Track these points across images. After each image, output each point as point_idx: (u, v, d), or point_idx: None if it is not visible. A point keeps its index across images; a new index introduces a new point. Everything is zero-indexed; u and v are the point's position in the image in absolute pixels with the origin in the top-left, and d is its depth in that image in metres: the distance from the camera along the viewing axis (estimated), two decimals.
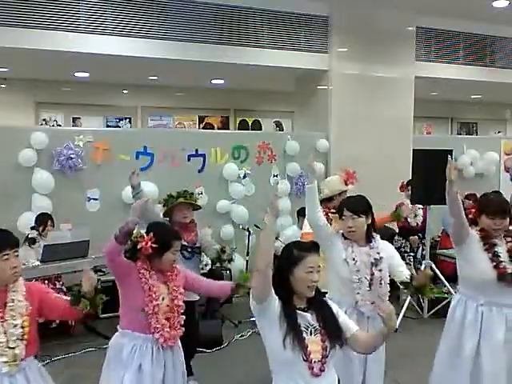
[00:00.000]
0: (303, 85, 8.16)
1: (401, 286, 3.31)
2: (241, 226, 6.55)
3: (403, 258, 6.63)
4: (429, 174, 5.83)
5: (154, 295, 2.93)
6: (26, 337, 2.55)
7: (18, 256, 2.62)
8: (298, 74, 7.94)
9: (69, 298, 2.74)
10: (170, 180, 6.26)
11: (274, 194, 2.38)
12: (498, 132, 13.84)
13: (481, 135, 13.32)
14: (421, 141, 7.84)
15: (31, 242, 5.30)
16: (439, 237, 7.23)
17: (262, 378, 4.54)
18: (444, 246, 6.96)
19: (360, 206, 3.21)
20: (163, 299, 2.97)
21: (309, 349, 2.26)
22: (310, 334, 2.30)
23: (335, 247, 3.17)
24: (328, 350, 2.30)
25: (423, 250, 6.39)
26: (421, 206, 6.46)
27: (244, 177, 6.88)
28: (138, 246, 2.93)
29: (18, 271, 2.60)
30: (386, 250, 3.27)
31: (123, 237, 2.85)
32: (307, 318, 2.33)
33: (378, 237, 3.29)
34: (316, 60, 7.32)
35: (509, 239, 3.30)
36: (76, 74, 8.73)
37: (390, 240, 6.85)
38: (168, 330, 2.95)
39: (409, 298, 5.96)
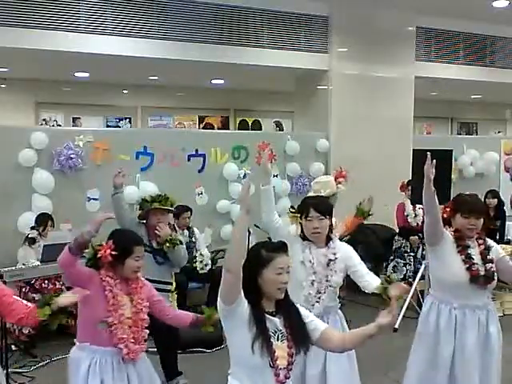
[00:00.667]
0: (303, 85, 8.15)
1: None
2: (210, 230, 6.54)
3: (403, 258, 6.69)
4: None
5: (118, 304, 2.84)
6: None
7: None
8: (298, 74, 7.94)
9: (30, 304, 2.66)
10: (170, 180, 6.26)
11: (246, 182, 2.19)
12: (498, 132, 13.84)
13: (481, 135, 13.31)
14: (421, 141, 7.83)
15: (31, 241, 5.31)
16: None
17: None
18: None
19: (326, 206, 3.18)
20: (126, 311, 2.88)
21: (276, 355, 2.19)
22: (277, 340, 2.22)
23: (293, 249, 2.98)
24: (294, 356, 2.23)
25: (423, 249, 6.39)
26: (421, 206, 6.45)
27: (244, 177, 6.87)
28: (98, 255, 2.86)
29: None
30: (343, 250, 3.21)
31: (77, 249, 2.80)
32: (275, 323, 2.25)
33: (336, 238, 3.26)
34: (316, 60, 7.31)
35: (481, 242, 3.31)
36: (76, 74, 8.72)
37: (391, 240, 6.88)
38: (132, 342, 2.86)
39: (409, 297, 5.96)
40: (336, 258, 3.14)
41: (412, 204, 6.40)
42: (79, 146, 6.07)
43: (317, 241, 3.14)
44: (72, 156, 5.96)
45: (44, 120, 9.87)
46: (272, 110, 11.52)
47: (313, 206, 3.12)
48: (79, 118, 10.12)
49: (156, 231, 4.16)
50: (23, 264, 5.13)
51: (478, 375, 3.17)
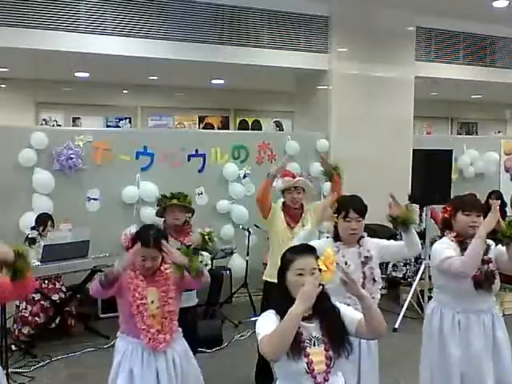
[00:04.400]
0: (303, 85, 8.16)
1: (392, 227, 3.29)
2: (241, 226, 6.55)
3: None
4: (429, 174, 5.85)
5: (137, 295, 2.93)
6: None
7: None
8: (297, 74, 7.94)
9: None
10: (170, 180, 6.26)
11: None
12: (498, 132, 13.84)
13: (481, 135, 13.31)
14: (421, 141, 7.84)
15: (31, 242, 5.30)
16: (439, 237, 7.21)
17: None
18: None
19: (364, 207, 3.18)
20: (152, 302, 2.97)
21: (311, 359, 2.19)
22: (314, 345, 2.21)
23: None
24: (332, 360, 2.22)
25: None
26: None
27: (244, 177, 6.88)
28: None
29: None
30: (373, 245, 3.22)
31: (108, 283, 2.88)
32: (310, 329, 2.24)
33: (365, 234, 3.26)
34: (316, 60, 7.31)
35: None
36: (76, 74, 8.73)
37: (391, 240, 6.88)
38: (153, 331, 2.93)
39: (409, 297, 5.96)
40: (371, 256, 3.16)
41: (412, 203, 6.40)
42: (79, 146, 6.08)
43: (352, 241, 3.15)
44: (72, 156, 5.97)
45: (44, 120, 9.87)
46: (272, 110, 11.52)
47: (352, 207, 3.10)
48: (79, 117, 10.12)
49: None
50: None
51: (491, 380, 3.14)
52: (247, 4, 6.82)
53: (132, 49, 6.33)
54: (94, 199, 6.18)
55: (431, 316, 3.34)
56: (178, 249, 3.08)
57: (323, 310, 2.27)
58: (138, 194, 6.24)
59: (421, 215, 6.42)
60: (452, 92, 10.80)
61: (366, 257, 3.15)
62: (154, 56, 6.49)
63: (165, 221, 4.24)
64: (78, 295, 5.73)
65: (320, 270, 2.22)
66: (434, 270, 3.35)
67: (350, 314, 2.34)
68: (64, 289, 5.57)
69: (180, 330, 3.15)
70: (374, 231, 6.98)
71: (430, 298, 6.13)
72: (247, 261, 6.44)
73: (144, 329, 2.92)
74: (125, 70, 8.06)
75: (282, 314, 2.17)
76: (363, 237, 3.22)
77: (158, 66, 7.49)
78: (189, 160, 6.66)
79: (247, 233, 6.42)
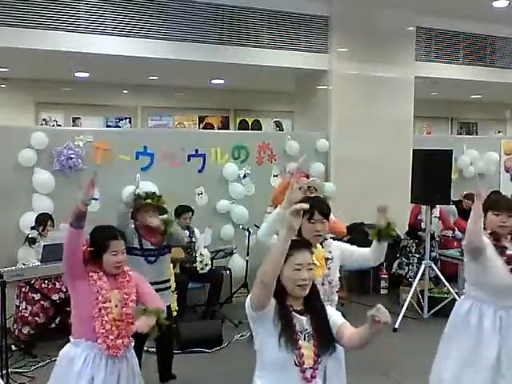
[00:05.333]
0: (303, 85, 8.16)
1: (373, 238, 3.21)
2: (241, 226, 6.55)
3: (407, 258, 6.71)
4: (429, 174, 5.84)
5: (100, 298, 2.84)
6: None
7: None
8: (298, 74, 7.94)
9: None
10: (170, 180, 6.27)
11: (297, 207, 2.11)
12: (498, 132, 13.84)
13: (481, 135, 13.31)
14: (421, 141, 7.84)
15: (31, 241, 5.31)
16: (439, 237, 7.22)
17: None
18: (444, 246, 6.96)
19: (328, 209, 3.15)
20: (116, 306, 2.88)
21: (302, 352, 2.19)
22: (304, 339, 2.22)
23: None
24: (319, 356, 2.22)
25: (431, 250, 6.40)
26: (437, 215, 6.55)
27: (244, 177, 6.88)
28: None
29: None
30: (335, 247, 3.22)
31: (76, 220, 2.81)
32: (302, 322, 2.25)
33: (329, 236, 3.26)
34: (316, 60, 7.31)
35: None
36: (76, 74, 8.72)
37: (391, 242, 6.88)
38: (113, 337, 2.83)
39: (409, 297, 5.96)
40: (333, 257, 3.16)
41: (412, 202, 6.40)
42: (79, 146, 6.07)
43: (315, 243, 3.10)
44: (72, 156, 5.97)
45: (44, 120, 9.87)
46: (272, 110, 11.52)
47: (317, 209, 3.05)
48: (79, 117, 10.12)
49: (149, 225, 4.12)
50: (23, 264, 5.14)
51: None
52: (247, 4, 6.82)
53: (132, 49, 6.33)
54: (94, 199, 6.15)
55: (468, 313, 3.29)
56: None
57: (313, 307, 2.29)
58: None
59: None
60: (452, 92, 10.80)
61: (327, 258, 3.14)
62: (154, 56, 6.49)
63: (136, 221, 4.20)
64: None
65: (314, 265, 2.27)
66: (470, 266, 3.32)
67: (335, 315, 2.35)
68: (64, 289, 5.55)
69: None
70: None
71: (430, 297, 6.18)
72: (247, 261, 6.44)
73: (102, 333, 2.81)
74: (125, 70, 8.06)
75: (277, 303, 2.21)
76: (326, 239, 3.20)
77: (158, 66, 7.49)
78: (189, 160, 6.66)
79: (247, 233, 6.42)
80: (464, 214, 7.28)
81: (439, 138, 10.30)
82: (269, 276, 2.11)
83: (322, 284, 3.08)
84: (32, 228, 5.43)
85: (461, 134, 13.46)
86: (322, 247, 3.15)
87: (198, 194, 6.59)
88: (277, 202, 4.25)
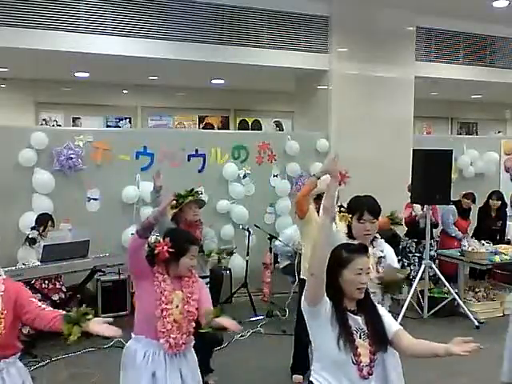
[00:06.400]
0: (303, 85, 8.16)
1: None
2: (241, 226, 6.55)
3: (408, 258, 6.71)
4: (429, 174, 5.84)
5: (163, 299, 2.92)
6: None
7: None
8: (298, 74, 7.94)
9: (58, 312, 2.62)
10: (170, 180, 6.23)
11: (332, 194, 2.23)
12: (498, 132, 13.85)
13: (481, 135, 13.32)
14: (421, 141, 7.84)
15: (31, 242, 5.31)
16: (439, 237, 7.23)
17: (262, 378, 4.55)
18: (444, 246, 6.96)
19: (379, 209, 3.18)
20: (177, 306, 2.95)
21: (359, 351, 2.28)
22: (360, 338, 2.31)
23: None
24: (375, 354, 2.32)
25: (430, 250, 6.40)
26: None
27: (244, 177, 6.88)
28: (155, 251, 2.95)
29: None
30: (386, 248, 3.27)
31: (144, 230, 2.90)
32: (358, 321, 2.34)
33: (379, 236, 3.29)
34: (316, 60, 7.31)
35: None
36: (76, 74, 8.73)
37: (391, 240, 6.87)
38: (174, 336, 2.91)
39: (409, 297, 5.96)
40: (385, 256, 3.19)
41: (412, 203, 6.40)
42: (79, 146, 6.08)
43: (365, 241, 3.11)
44: (72, 156, 5.97)
45: (44, 120, 9.87)
46: (272, 110, 11.53)
47: (368, 209, 3.10)
48: (79, 117, 10.12)
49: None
50: (23, 264, 5.13)
51: None
52: (247, 4, 6.82)
53: (132, 49, 6.33)
54: (93, 199, 6.18)
55: None
56: None
57: (366, 305, 2.39)
58: (137, 194, 6.24)
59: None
60: (452, 92, 10.80)
61: (380, 257, 3.19)
62: (154, 56, 6.49)
63: (175, 218, 4.25)
64: (78, 295, 5.73)
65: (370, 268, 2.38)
66: None
67: (389, 319, 2.44)
68: (64, 289, 5.57)
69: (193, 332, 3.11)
70: None
71: (430, 297, 6.18)
72: (247, 261, 6.44)
73: (164, 332, 2.89)
74: (125, 70, 8.06)
75: (334, 306, 2.29)
76: (376, 237, 3.24)
77: (158, 66, 7.49)
78: (189, 160, 6.66)
79: (247, 233, 6.42)
80: (464, 213, 7.29)
81: (439, 137, 10.29)
82: (317, 267, 2.21)
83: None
84: (32, 228, 5.43)
85: (461, 134, 13.47)
86: (374, 247, 3.19)
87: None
88: (301, 206, 4.26)
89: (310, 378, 2.41)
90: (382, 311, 2.47)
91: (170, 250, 2.94)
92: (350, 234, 3.18)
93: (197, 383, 3.05)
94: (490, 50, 8.50)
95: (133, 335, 3.03)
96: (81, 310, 2.54)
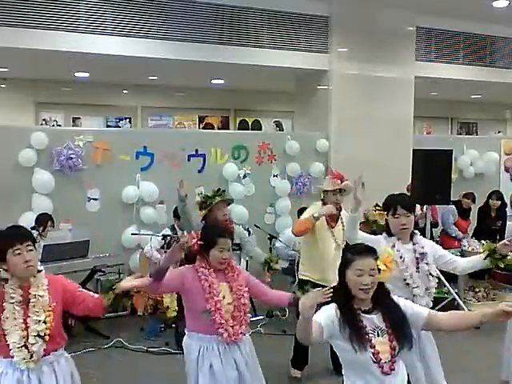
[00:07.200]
0: (303, 85, 8.15)
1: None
2: (241, 226, 6.53)
3: None
4: (429, 174, 5.85)
5: (215, 291, 2.98)
6: (47, 332, 2.54)
7: (31, 250, 2.58)
8: (298, 74, 7.94)
9: (96, 295, 2.79)
10: (170, 180, 6.25)
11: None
12: (498, 132, 13.84)
13: (481, 135, 13.31)
14: (421, 141, 7.84)
15: None
16: (439, 237, 7.23)
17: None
18: (444, 246, 6.95)
19: (410, 203, 3.28)
20: (224, 297, 3.00)
21: (377, 349, 2.29)
22: (378, 336, 2.33)
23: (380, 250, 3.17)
24: (397, 349, 2.33)
25: None
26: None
27: (244, 177, 6.88)
28: (188, 244, 3.02)
29: (33, 265, 2.57)
30: (427, 244, 3.34)
31: (157, 275, 2.93)
32: (373, 320, 2.36)
33: (418, 233, 3.36)
34: (316, 60, 7.31)
35: None
36: (76, 74, 8.72)
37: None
38: (231, 326, 2.98)
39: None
40: (426, 252, 3.24)
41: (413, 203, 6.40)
42: (79, 146, 6.08)
43: (404, 237, 3.24)
44: (72, 156, 5.97)
45: (44, 120, 9.87)
46: (272, 110, 11.52)
47: (400, 204, 3.20)
48: (79, 117, 10.12)
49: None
50: None
51: None
52: (247, 4, 6.82)
53: (132, 49, 6.33)
54: (94, 199, 6.18)
55: None
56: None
57: (384, 303, 2.40)
58: (137, 194, 6.24)
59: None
60: (452, 92, 10.80)
61: (422, 253, 3.24)
62: (154, 56, 6.49)
63: (205, 220, 4.30)
64: None
65: (379, 269, 2.36)
66: None
67: (415, 309, 2.48)
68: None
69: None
70: (374, 231, 7.04)
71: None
72: (247, 261, 6.43)
73: (222, 324, 2.95)
74: (125, 70, 8.06)
75: (342, 307, 2.33)
76: (415, 233, 3.31)
77: (158, 66, 7.49)
78: (189, 160, 6.66)
79: (247, 233, 6.40)
80: (464, 213, 7.29)
81: (439, 137, 10.30)
82: (301, 337, 2.25)
83: (419, 276, 3.20)
84: (32, 228, 5.41)
85: (461, 134, 13.46)
86: (414, 243, 3.26)
87: (198, 194, 6.57)
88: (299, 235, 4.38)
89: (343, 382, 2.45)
90: (407, 303, 2.49)
91: (200, 242, 3.02)
92: (389, 232, 3.28)
93: (254, 372, 3.11)
94: (490, 50, 8.50)
95: (186, 331, 3.11)
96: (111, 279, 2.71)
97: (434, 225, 6.73)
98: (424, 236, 6.12)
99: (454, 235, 7.05)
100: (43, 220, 5.47)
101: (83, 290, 2.80)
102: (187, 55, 6.62)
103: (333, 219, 4.31)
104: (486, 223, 7.15)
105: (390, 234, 3.27)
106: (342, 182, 4.28)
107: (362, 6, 7.23)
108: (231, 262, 3.14)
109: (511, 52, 8.65)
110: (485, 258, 3.30)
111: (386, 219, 3.29)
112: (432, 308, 6.41)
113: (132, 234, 5.73)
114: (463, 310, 5.96)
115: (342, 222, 4.29)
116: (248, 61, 6.96)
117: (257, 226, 6.30)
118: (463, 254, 6.14)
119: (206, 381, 2.95)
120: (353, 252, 2.42)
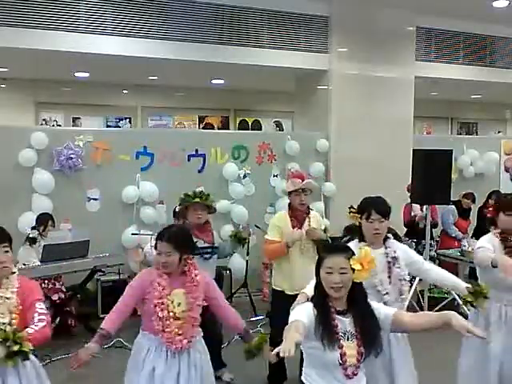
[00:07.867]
0: (303, 85, 8.16)
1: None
2: (241, 226, 6.54)
3: None
4: (429, 174, 5.84)
5: (156, 293, 2.94)
6: None
7: (7, 252, 2.57)
8: (298, 74, 7.94)
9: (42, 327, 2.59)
10: (170, 180, 6.27)
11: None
12: (498, 132, 13.84)
13: (481, 135, 13.31)
14: (421, 141, 7.84)
15: (32, 241, 5.30)
16: (439, 237, 7.23)
17: (262, 378, 4.55)
18: (444, 246, 6.96)
19: (387, 208, 3.19)
20: (179, 304, 2.96)
21: (344, 351, 2.28)
22: (347, 340, 2.32)
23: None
24: (363, 356, 2.32)
25: (430, 250, 6.39)
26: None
27: (244, 177, 6.88)
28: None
29: (7, 266, 2.57)
30: (400, 248, 3.26)
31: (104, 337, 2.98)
32: (345, 324, 2.34)
33: (391, 237, 3.29)
34: (316, 60, 7.31)
35: None
36: (76, 74, 8.73)
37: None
38: (174, 335, 2.93)
39: (409, 297, 5.95)
40: (398, 257, 3.18)
41: (412, 203, 6.40)
42: (79, 146, 6.08)
43: (376, 241, 3.16)
44: (72, 156, 5.97)
45: (44, 120, 9.87)
46: (272, 110, 11.52)
47: (374, 208, 3.13)
48: (79, 117, 10.12)
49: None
50: (23, 264, 5.13)
51: None
52: (247, 4, 6.82)
53: (132, 49, 6.33)
54: (94, 199, 6.18)
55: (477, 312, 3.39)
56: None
57: (357, 308, 2.38)
58: (137, 194, 6.24)
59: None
60: (452, 92, 10.80)
61: (393, 257, 3.17)
62: (154, 56, 6.49)
63: (185, 220, 4.25)
64: (78, 295, 5.73)
65: (353, 269, 2.33)
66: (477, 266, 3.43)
67: (383, 309, 2.45)
68: (64, 289, 5.56)
69: (200, 330, 3.15)
70: None
71: (430, 297, 6.17)
72: (247, 261, 6.44)
73: (161, 329, 2.92)
74: (125, 70, 8.06)
75: (318, 306, 2.33)
76: (389, 238, 3.23)
77: (158, 66, 7.49)
78: (189, 160, 6.66)
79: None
80: (464, 213, 7.29)
81: (439, 137, 10.29)
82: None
83: (390, 282, 3.13)
84: (32, 228, 5.42)
85: (461, 134, 13.46)
86: (386, 247, 3.18)
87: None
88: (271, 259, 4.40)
89: (302, 378, 2.43)
90: (377, 305, 2.46)
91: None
92: (361, 236, 3.20)
93: (199, 380, 3.05)
94: (489, 50, 8.50)
95: (141, 330, 3.08)
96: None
97: (434, 225, 6.73)
98: (424, 236, 6.23)
99: (453, 235, 7.04)
100: (44, 220, 5.48)
101: (42, 314, 2.63)
102: (187, 55, 6.62)
103: (299, 221, 4.16)
104: (486, 223, 7.14)
105: (362, 238, 3.19)
106: (302, 180, 4.17)
107: (361, 6, 7.23)
108: (192, 270, 3.05)
109: (511, 52, 8.65)
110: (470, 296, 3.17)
111: (360, 223, 3.20)
112: (432, 308, 6.42)
113: (132, 234, 5.72)
114: (463, 309, 5.95)
115: (309, 224, 4.15)
116: (248, 61, 6.96)
117: (257, 226, 6.30)
118: (463, 254, 6.15)
119: (143, 382, 2.92)
120: (325, 250, 2.43)
